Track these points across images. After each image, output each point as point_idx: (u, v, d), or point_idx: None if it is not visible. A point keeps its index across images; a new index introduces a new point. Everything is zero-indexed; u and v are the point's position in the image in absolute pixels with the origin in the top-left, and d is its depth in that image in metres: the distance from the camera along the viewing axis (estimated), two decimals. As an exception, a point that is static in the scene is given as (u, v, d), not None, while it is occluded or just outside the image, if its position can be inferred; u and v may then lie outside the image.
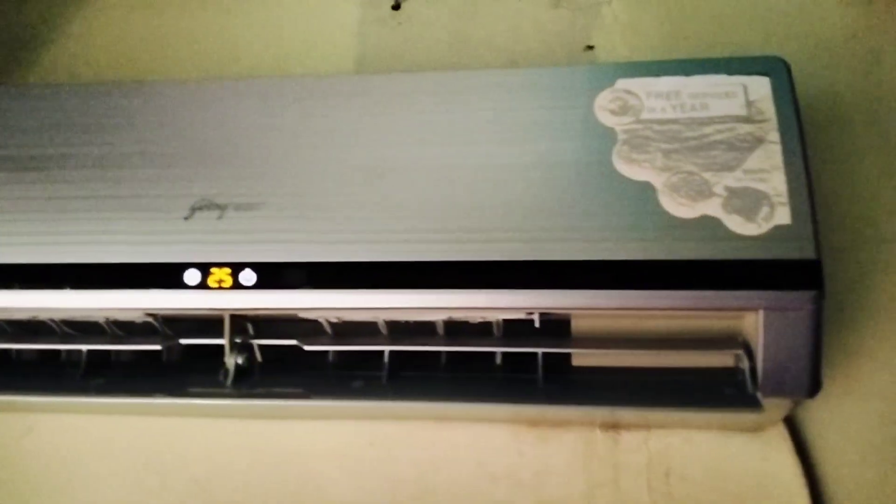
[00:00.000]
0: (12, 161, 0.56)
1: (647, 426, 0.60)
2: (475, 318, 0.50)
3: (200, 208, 0.52)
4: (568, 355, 0.52)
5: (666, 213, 0.46)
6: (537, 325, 0.48)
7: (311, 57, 0.79)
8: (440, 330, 0.52)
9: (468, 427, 0.62)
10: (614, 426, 0.60)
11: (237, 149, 0.54)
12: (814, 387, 0.44)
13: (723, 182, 0.46)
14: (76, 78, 0.80)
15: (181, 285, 0.50)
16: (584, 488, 0.58)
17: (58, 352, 0.59)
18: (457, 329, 0.52)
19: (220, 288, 0.49)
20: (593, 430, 0.60)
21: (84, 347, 0.55)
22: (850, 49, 0.71)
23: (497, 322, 0.51)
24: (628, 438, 0.60)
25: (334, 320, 0.51)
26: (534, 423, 0.61)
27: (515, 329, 0.51)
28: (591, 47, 0.73)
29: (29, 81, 0.81)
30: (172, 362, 0.57)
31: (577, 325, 0.50)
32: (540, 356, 0.50)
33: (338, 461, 0.62)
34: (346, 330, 0.53)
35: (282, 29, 0.80)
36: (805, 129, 0.64)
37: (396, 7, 0.79)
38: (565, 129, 0.50)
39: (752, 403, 0.45)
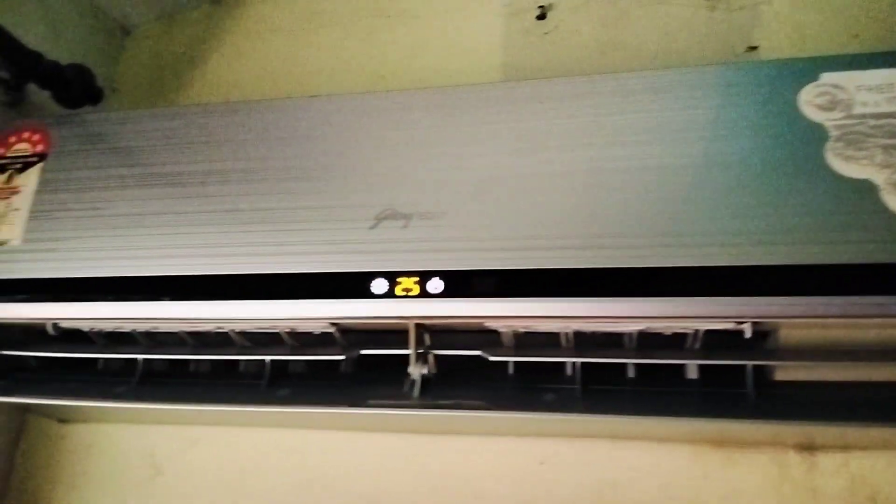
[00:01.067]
0: (190, 176, 0.58)
1: (845, 447, 0.55)
2: (673, 329, 0.47)
3: (385, 218, 0.51)
4: (771, 370, 0.48)
5: (890, 213, 0.43)
6: (748, 335, 0.45)
7: (458, 70, 0.78)
8: (629, 342, 0.50)
9: (646, 447, 0.59)
10: (809, 447, 0.56)
11: (414, 159, 0.54)
12: None
13: (956, 179, 0.42)
14: (225, 98, 0.83)
15: (368, 294, 0.49)
16: (778, 514, 0.54)
17: (234, 364, 0.60)
18: (645, 341, 0.50)
19: (408, 296, 0.49)
20: (786, 452, 0.56)
21: (268, 358, 0.55)
22: None
23: (695, 333, 0.48)
24: (826, 461, 0.55)
25: (521, 330, 0.50)
26: (718, 443, 0.57)
27: (712, 342, 0.48)
28: (754, 48, 0.69)
29: (181, 103, 0.84)
30: (348, 374, 0.57)
31: (786, 335, 0.47)
32: (749, 369, 0.46)
33: (506, 480, 0.60)
34: (527, 342, 0.52)
35: (424, 46, 0.81)
36: None
37: (542, 17, 0.78)
38: (769, 126, 0.47)
39: None
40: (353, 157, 0.55)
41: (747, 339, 0.47)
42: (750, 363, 0.46)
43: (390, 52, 0.82)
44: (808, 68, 0.48)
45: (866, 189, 0.44)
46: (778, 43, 0.70)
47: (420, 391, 0.51)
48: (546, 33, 0.78)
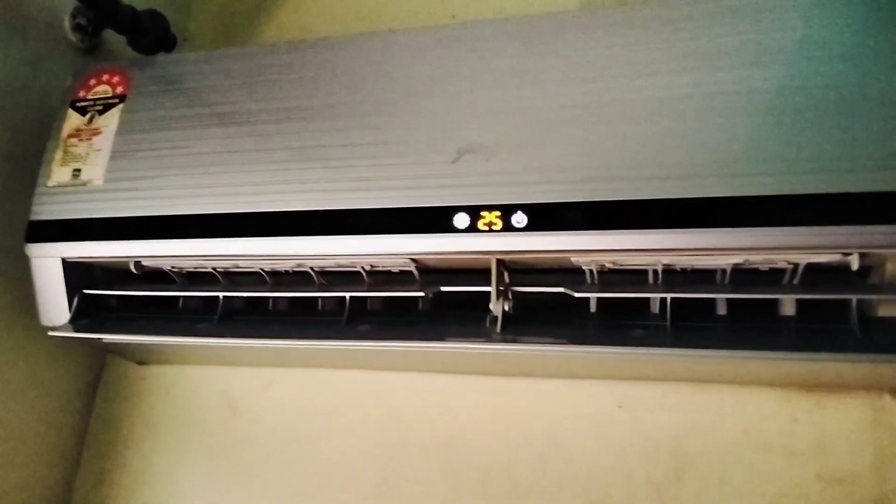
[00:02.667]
0: (268, 114, 0.57)
1: (951, 393, 0.52)
2: (773, 262, 0.45)
3: (467, 151, 0.50)
4: (871, 305, 0.46)
5: None
6: (855, 267, 0.43)
7: (533, 3, 0.76)
8: (722, 277, 0.48)
9: (730, 390, 0.57)
10: (907, 391, 0.53)
11: (494, 91, 0.52)
12: None
13: None
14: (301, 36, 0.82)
15: (451, 229, 0.49)
16: (872, 459, 0.52)
17: (312, 302, 0.60)
18: (738, 278, 0.48)
19: (491, 231, 0.48)
20: (881, 396, 0.54)
21: (348, 294, 0.55)
22: None
23: (794, 268, 0.46)
24: (926, 405, 0.53)
25: (607, 267, 0.48)
26: (808, 387, 0.55)
27: (809, 278, 0.46)
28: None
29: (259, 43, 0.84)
30: (427, 312, 0.57)
31: (893, 269, 0.44)
32: (854, 303, 0.44)
33: (584, 423, 0.59)
34: (611, 280, 0.50)
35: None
36: None
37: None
38: (885, 53, 0.44)
39: None
40: (432, 92, 0.53)
41: (848, 274, 0.45)
42: (855, 297, 0.44)
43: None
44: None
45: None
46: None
47: (501, 328, 0.50)
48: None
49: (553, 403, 0.60)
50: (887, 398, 0.53)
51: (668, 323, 0.48)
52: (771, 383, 0.56)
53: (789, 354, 0.45)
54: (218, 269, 0.58)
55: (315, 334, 0.56)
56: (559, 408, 0.60)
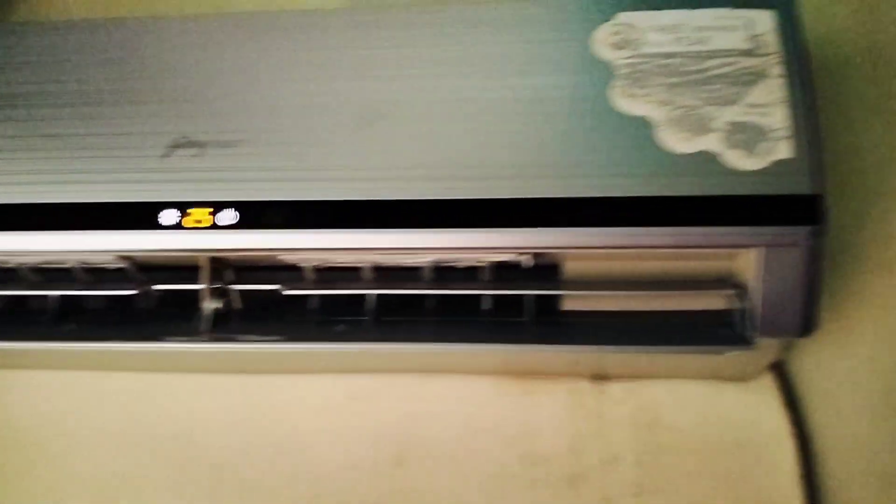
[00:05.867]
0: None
1: (634, 376, 0.59)
2: (464, 260, 0.48)
3: (179, 146, 0.49)
4: (557, 300, 0.50)
5: (664, 149, 0.45)
6: (528, 266, 0.46)
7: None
8: (427, 274, 0.50)
9: (452, 380, 0.60)
10: (602, 377, 0.59)
11: (219, 85, 0.51)
12: (809, 325, 0.43)
13: (724, 117, 0.44)
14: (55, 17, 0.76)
15: (157, 226, 0.47)
16: (569, 441, 0.57)
17: (25, 300, 0.56)
18: (445, 274, 0.50)
19: (199, 228, 0.47)
20: (580, 382, 0.59)
21: (55, 293, 0.52)
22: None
23: (486, 266, 0.49)
24: (615, 389, 0.59)
25: (317, 264, 0.49)
26: (520, 375, 0.60)
27: (505, 274, 0.50)
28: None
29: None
30: (147, 310, 0.54)
31: (569, 267, 0.49)
32: (529, 298, 0.48)
33: (318, 416, 0.60)
34: (329, 277, 0.51)
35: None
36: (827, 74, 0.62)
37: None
38: (560, 64, 0.48)
39: (743, 342, 0.44)
40: (151, 83, 0.51)
41: (534, 271, 0.49)
42: (529, 292, 0.48)
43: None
44: (608, 7, 0.49)
45: (645, 126, 0.46)
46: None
47: (212, 326, 0.50)
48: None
49: (287, 398, 0.61)
50: (585, 383, 0.59)
51: (371, 317, 0.49)
52: (488, 373, 0.60)
53: (477, 349, 0.49)
54: None
55: (18, 335, 0.52)
56: (292, 403, 0.60)
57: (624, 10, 0.48)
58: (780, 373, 0.57)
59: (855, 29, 0.63)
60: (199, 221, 0.47)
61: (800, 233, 0.42)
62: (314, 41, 0.52)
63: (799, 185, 0.42)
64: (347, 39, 0.51)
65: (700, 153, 0.44)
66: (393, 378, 0.61)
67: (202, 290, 0.49)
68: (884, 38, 0.65)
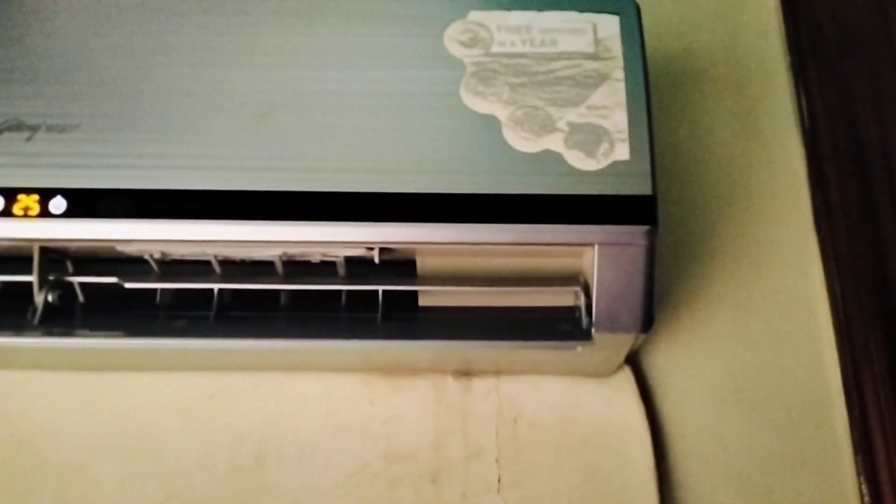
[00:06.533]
0: None
1: (497, 372, 0.59)
2: (313, 254, 0.47)
3: (7, 129, 0.46)
4: (415, 296, 0.50)
5: (509, 147, 0.45)
6: (376, 261, 0.46)
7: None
8: (279, 268, 0.49)
9: (318, 378, 0.59)
10: (466, 373, 0.59)
11: (55, 65, 0.48)
12: (646, 322, 0.44)
13: (566, 117, 0.45)
14: None
15: (-19, 213, 0.44)
16: (432, 436, 0.57)
17: None
18: (299, 268, 0.49)
19: (27, 216, 0.44)
20: (445, 378, 0.59)
21: None
22: (708, 4, 0.72)
23: (340, 261, 0.48)
24: (479, 385, 0.59)
25: (158, 256, 0.47)
26: (385, 372, 0.59)
27: (360, 270, 0.49)
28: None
29: None
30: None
31: (423, 263, 0.48)
32: (381, 293, 0.48)
33: (177, 415, 0.58)
34: (176, 269, 0.49)
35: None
36: (664, 83, 0.65)
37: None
38: (413, 59, 0.48)
39: (584, 337, 0.45)
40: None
41: (391, 266, 0.48)
42: (380, 287, 0.47)
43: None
44: (460, 5, 0.49)
45: (491, 124, 0.46)
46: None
47: (45, 320, 0.47)
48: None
49: (145, 397, 0.58)
50: (450, 379, 0.59)
51: (213, 312, 0.48)
52: (355, 369, 0.59)
53: (329, 345, 0.48)
54: None
55: None
56: (151, 401, 0.58)
57: (475, 8, 0.48)
58: (637, 369, 0.59)
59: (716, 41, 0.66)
60: (28, 209, 0.44)
61: (633, 232, 0.43)
62: (161, 21, 0.50)
63: (633, 186, 0.43)
64: (196, 22, 0.49)
65: (543, 152, 0.44)
66: (257, 376, 0.59)
67: (34, 281, 0.47)
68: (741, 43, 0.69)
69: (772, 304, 0.60)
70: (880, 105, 0.64)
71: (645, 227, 0.43)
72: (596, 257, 0.43)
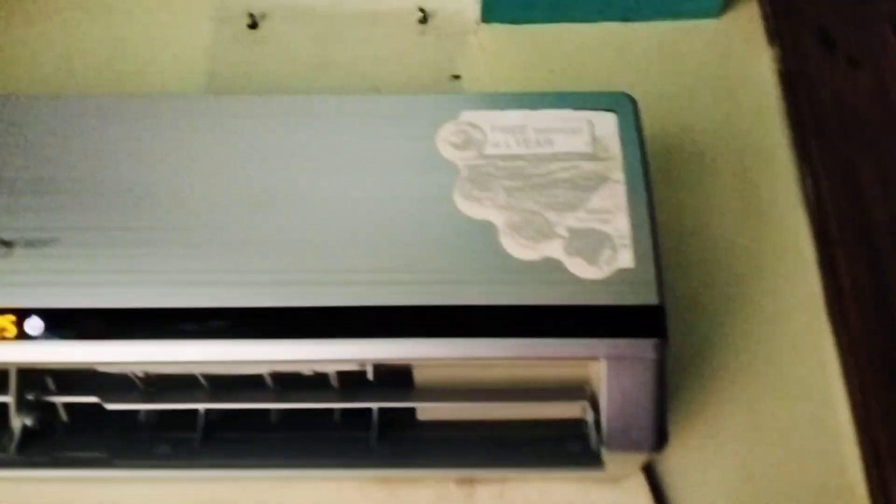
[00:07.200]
0: None
1: (502, 479, 0.56)
2: (304, 370, 0.45)
3: (-16, 245, 0.44)
4: (412, 409, 0.47)
5: (507, 255, 0.43)
6: (370, 377, 0.43)
7: (158, 75, 0.72)
8: (269, 384, 0.46)
9: (312, 486, 0.56)
10: (469, 480, 0.56)
11: (38, 175, 0.47)
12: (659, 440, 0.41)
13: (565, 222, 0.43)
14: None
15: (-46, 335, 0.42)
16: (432, 544, 0.54)
17: None
18: (289, 382, 0.47)
19: (2, 338, 0.42)
20: (446, 485, 0.56)
21: None
22: (712, 86, 0.71)
23: (333, 374, 0.46)
24: (483, 492, 0.56)
25: (141, 374, 0.45)
26: (383, 480, 0.56)
27: (355, 380, 0.47)
28: (457, 77, 0.70)
29: None
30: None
31: (420, 375, 0.46)
32: (375, 412, 0.45)
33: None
34: (162, 384, 0.47)
35: (124, 44, 0.73)
36: (665, 168, 0.63)
37: (253, 26, 0.73)
38: (406, 162, 0.46)
39: (595, 461, 0.42)
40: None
41: (387, 377, 0.45)
42: (375, 405, 0.45)
43: (84, 47, 0.73)
44: (451, 105, 0.48)
45: (488, 230, 0.44)
46: (479, 73, 0.71)
47: (22, 445, 0.44)
48: (256, 43, 0.74)
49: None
50: (452, 486, 0.56)
51: (199, 435, 0.45)
52: (352, 478, 0.56)
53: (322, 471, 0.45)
54: None
55: None
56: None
57: (467, 108, 0.47)
58: (651, 474, 0.56)
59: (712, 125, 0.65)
60: (3, 330, 0.42)
61: (642, 345, 0.40)
62: (151, 129, 0.48)
63: (639, 296, 0.41)
64: (186, 128, 0.48)
65: (543, 260, 0.42)
66: (247, 485, 0.56)
67: (10, 403, 0.44)
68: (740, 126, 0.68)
69: (788, 399, 0.57)
70: (887, 184, 0.63)
71: (654, 340, 0.40)
72: (604, 372, 0.41)
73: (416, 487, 0.56)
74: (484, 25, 0.74)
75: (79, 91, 0.71)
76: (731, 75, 0.72)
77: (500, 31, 0.74)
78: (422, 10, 0.73)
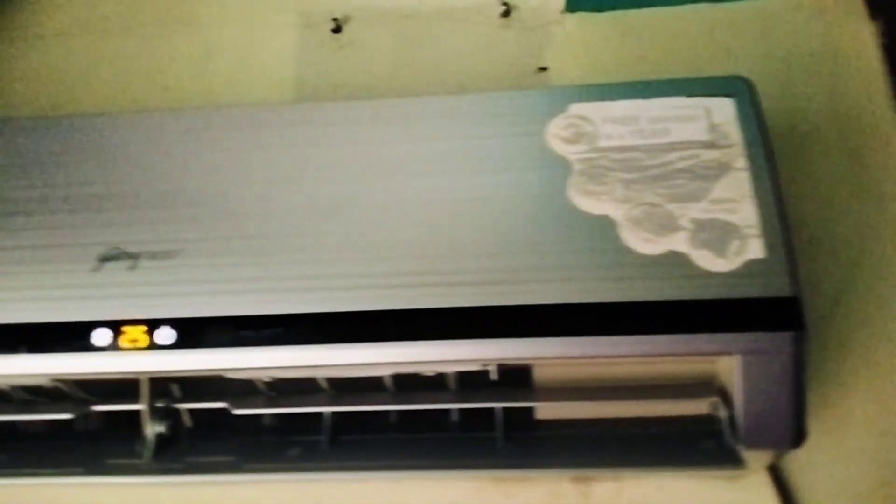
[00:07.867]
0: None
1: (618, 477, 0.55)
2: (426, 371, 0.45)
3: (110, 258, 0.46)
4: (529, 409, 0.47)
5: (628, 250, 0.42)
6: (494, 377, 0.43)
7: (247, 84, 0.73)
8: (389, 385, 0.47)
9: (426, 485, 0.56)
10: (585, 479, 0.55)
11: (155, 189, 0.48)
12: (798, 436, 0.40)
13: (689, 214, 0.42)
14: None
15: (89, 347, 0.44)
16: (551, 547, 0.53)
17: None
18: (407, 383, 0.47)
19: (135, 349, 0.43)
20: (561, 484, 0.55)
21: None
22: (812, 65, 0.68)
23: (452, 375, 0.45)
24: (600, 490, 0.55)
25: (267, 380, 0.46)
26: (498, 479, 0.56)
27: (473, 380, 0.46)
28: (543, 69, 0.69)
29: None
30: (90, 432, 0.51)
31: (540, 374, 0.45)
32: (499, 412, 0.45)
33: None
34: (285, 388, 0.48)
35: (214, 55, 0.75)
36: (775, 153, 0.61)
37: (337, 30, 0.74)
38: (516, 160, 0.46)
39: (733, 458, 0.41)
40: (81, 188, 0.48)
41: (506, 376, 0.45)
42: (499, 405, 0.44)
43: (174, 61, 0.75)
44: (561, 99, 0.47)
45: (606, 225, 0.43)
46: (566, 65, 0.70)
47: (155, 451, 0.46)
48: (341, 47, 0.74)
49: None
50: (567, 485, 0.55)
51: (326, 438, 0.46)
52: (465, 476, 0.56)
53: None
54: None
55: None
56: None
57: (576, 100, 0.46)
58: (776, 469, 0.53)
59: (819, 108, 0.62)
60: (135, 341, 0.44)
61: (779, 339, 0.39)
62: (257, 139, 0.49)
63: (775, 288, 0.39)
64: (292, 137, 0.49)
65: (667, 254, 0.41)
66: (362, 485, 0.56)
67: (143, 410, 0.46)
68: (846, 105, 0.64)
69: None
70: None
71: (791, 333, 0.39)
72: (738, 368, 0.39)
73: (530, 486, 0.55)
74: (568, 15, 0.72)
75: (170, 104, 0.73)
76: (831, 52, 0.69)
77: (586, 20, 0.72)
78: (505, 4, 0.72)
